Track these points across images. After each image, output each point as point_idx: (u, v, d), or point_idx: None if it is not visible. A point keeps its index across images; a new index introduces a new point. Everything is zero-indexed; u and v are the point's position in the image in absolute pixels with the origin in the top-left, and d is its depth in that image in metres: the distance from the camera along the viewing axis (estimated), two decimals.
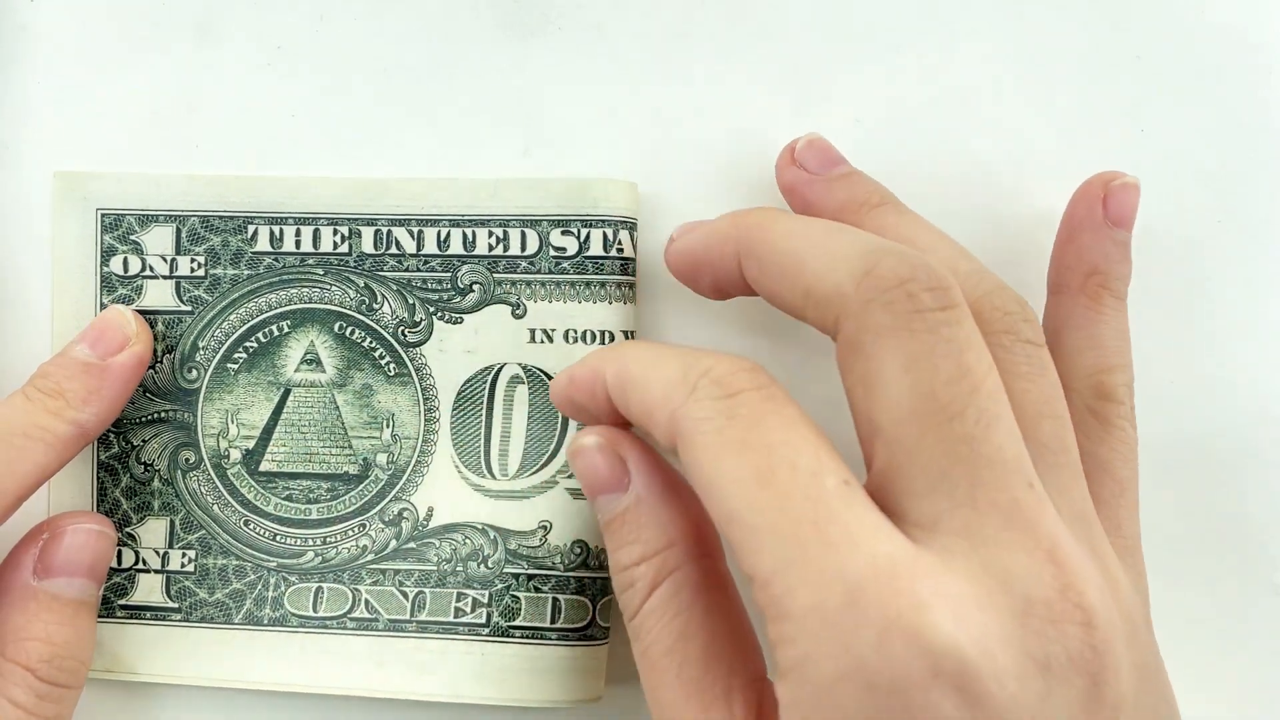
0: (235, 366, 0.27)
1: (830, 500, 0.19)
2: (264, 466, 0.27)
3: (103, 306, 0.27)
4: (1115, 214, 0.25)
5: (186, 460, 0.27)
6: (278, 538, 0.27)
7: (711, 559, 0.23)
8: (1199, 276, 0.28)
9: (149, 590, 0.27)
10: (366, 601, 0.27)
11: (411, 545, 0.27)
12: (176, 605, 0.27)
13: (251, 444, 0.27)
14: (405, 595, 0.27)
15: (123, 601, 0.27)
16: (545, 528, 0.27)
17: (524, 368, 0.27)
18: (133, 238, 0.27)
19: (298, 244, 0.27)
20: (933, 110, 0.28)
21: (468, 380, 0.27)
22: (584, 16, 0.28)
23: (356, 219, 0.27)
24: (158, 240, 0.27)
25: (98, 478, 0.27)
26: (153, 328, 0.27)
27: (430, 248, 0.27)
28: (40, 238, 0.28)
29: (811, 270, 0.21)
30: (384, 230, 0.27)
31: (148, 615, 0.27)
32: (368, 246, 0.27)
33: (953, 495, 0.19)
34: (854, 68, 0.28)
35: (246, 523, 0.27)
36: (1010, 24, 0.28)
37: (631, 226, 0.27)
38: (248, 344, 0.27)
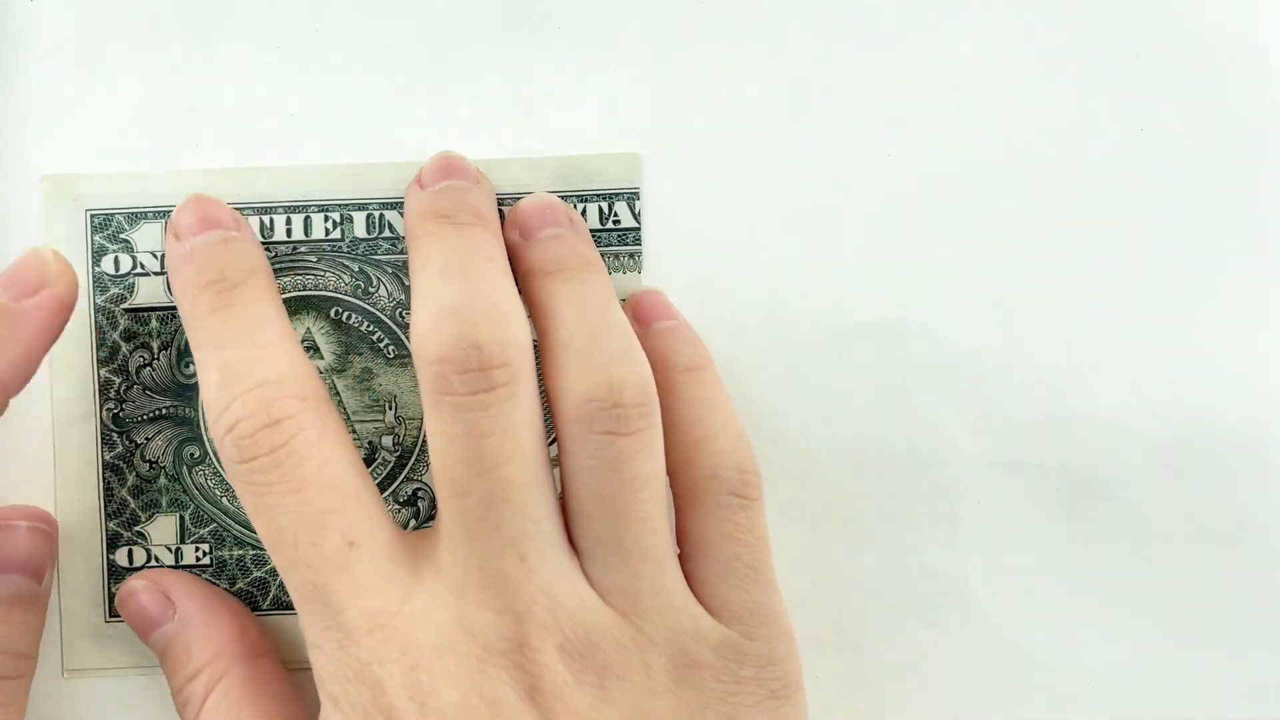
0: None
1: (329, 565, 0.22)
2: None
3: (97, 308, 0.27)
4: (644, 318, 0.26)
5: (191, 455, 0.27)
6: None
7: (264, 657, 0.25)
8: (1199, 276, 0.28)
9: None
10: None
11: (430, 524, 0.27)
12: None
13: None
14: None
15: None
16: None
17: None
18: (122, 236, 0.27)
19: (289, 232, 0.27)
20: (932, 110, 0.28)
21: None
22: (584, 15, 0.28)
23: (347, 204, 0.27)
24: (147, 237, 0.27)
25: (104, 478, 0.27)
26: (147, 325, 0.27)
27: (360, 230, 0.27)
28: (33, 241, 0.27)
29: (413, 312, 0.23)
30: (375, 214, 0.27)
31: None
32: (360, 231, 0.27)
33: (454, 553, 0.22)
34: (853, 67, 0.28)
35: None
36: (1010, 24, 0.28)
37: (631, 197, 0.27)
38: None
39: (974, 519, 0.28)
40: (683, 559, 0.24)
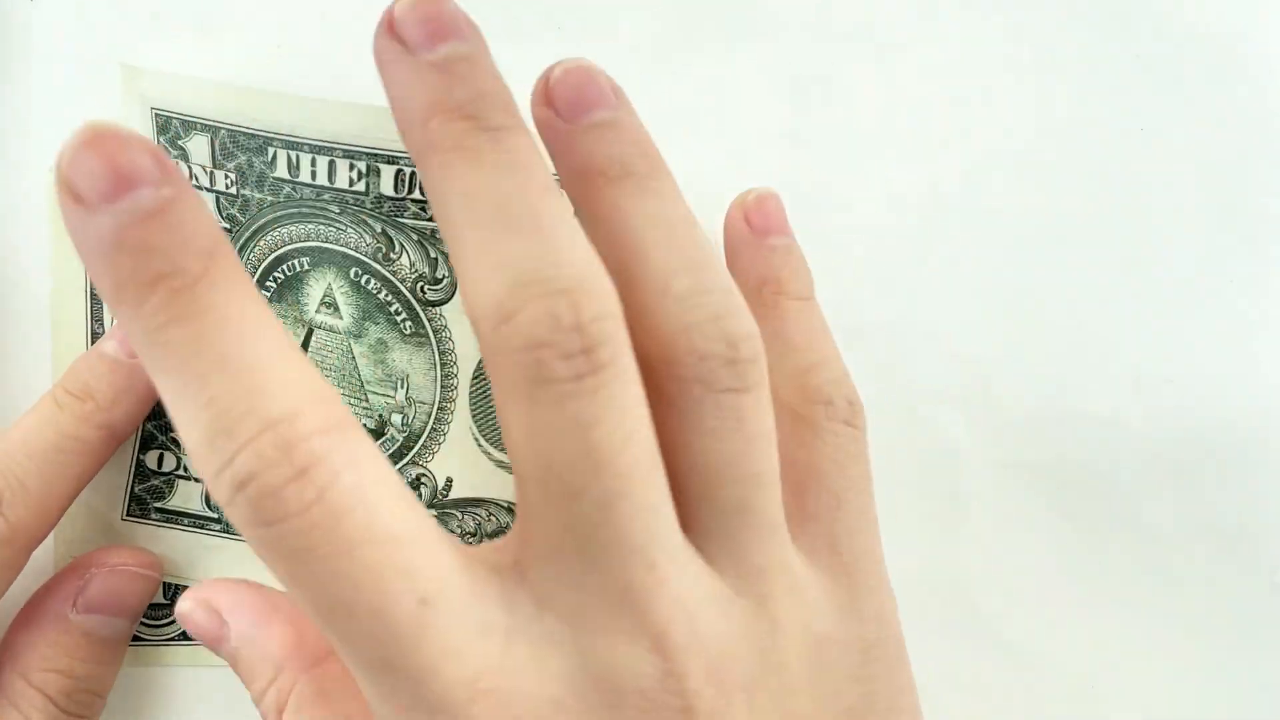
0: (268, 295, 0.25)
1: (401, 633, 0.17)
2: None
3: None
4: (760, 226, 0.24)
5: None
6: None
7: (323, 664, 0.22)
8: (1199, 276, 0.28)
9: (187, 497, 0.26)
10: None
11: (432, 512, 0.25)
12: (216, 515, 0.26)
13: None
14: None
15: (159, 504, 0.26)
16: None
17: None
18: (180, 143, 0.25)
19: (313, 175, 0.24)
20: (932, 110, 0.28)
21: None
22: (584, 16, 0.28)
23: (376, 154, 0.24)
24: (198, 149, 0.25)
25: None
26: None
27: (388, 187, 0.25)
28: (35, 239, 0.27)
29: (466, 275, 0.18)
30: (406, 171, 0.24)
31: (185, 522, 0.26)
32: (387, 188, 0.24)
33: (564, 575, 0.18)
34: (853, 67, 0.28)
35: None
36: (1010, 24, 0.28)
37: None
38: (275, 274, 0.25)
39: (974, 519, 0.28)
40: (789, 494, 0.21)
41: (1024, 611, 0.28)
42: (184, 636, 0.27)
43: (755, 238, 0.24)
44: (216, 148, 0.24)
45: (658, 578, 0.18)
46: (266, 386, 0.17)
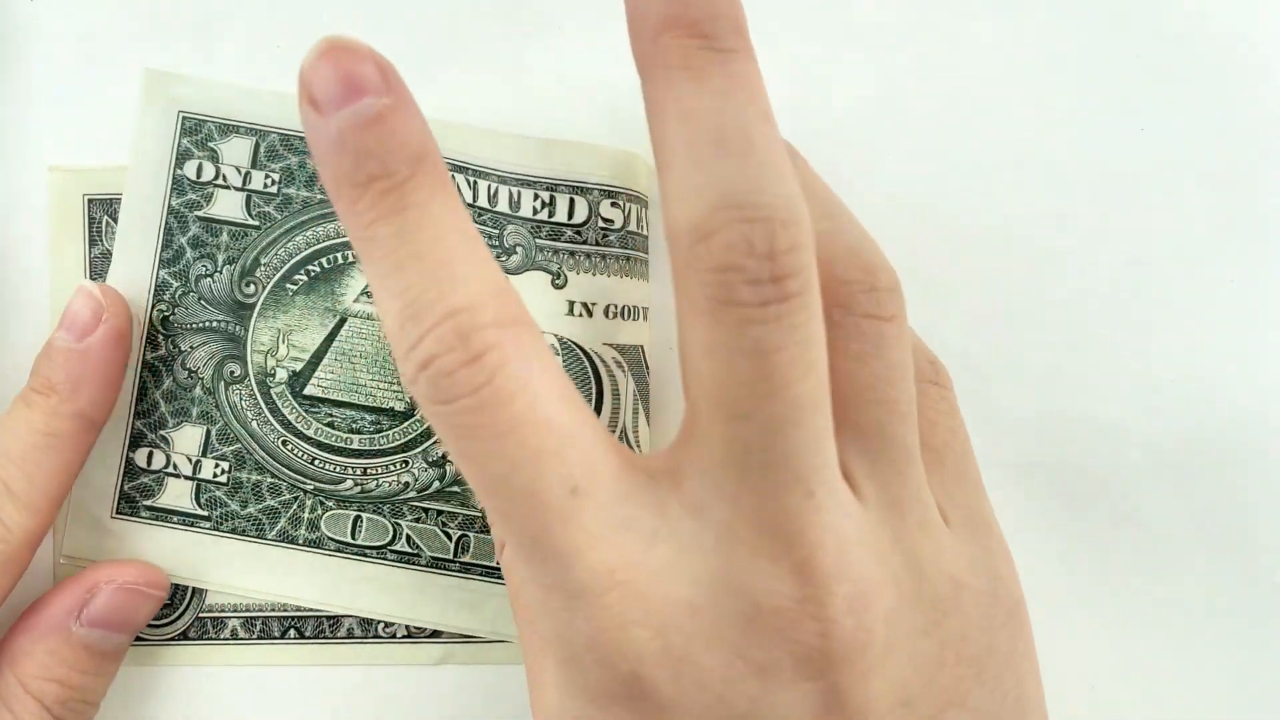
0: (294, 287, 0.27)
1: (550, 515, 0.18)
2: (309, 390, 0.27)
3: (170, 209, 0.27)
4: None
5: (231, 373, 0.27)
6: (315, 461, 0.27)
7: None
8: (1199, 276, 0.28)
9: (178, 495, 0.26)
10: (408, 536, 0.26)
11: (455, 489, 0.26)
12: (206, 514, 0.26)
13: (300, 365, 0.27)
14: (449, 536, 0.26)
15: (148, 502, 0.27)
16: None
17: (559, 339, 0.26)
18: (210, 145, 0.27)
19: None
20: (932, 110, 0.28)
21: None
22: (582, 15, 0.28)
23: None
24: (235, 151, 0.27)
25: (140, 376, 0.27)
26: (218, 236, 0.27)
27: (482, 200, 0.26)
28: (35, 237, 0.27)
29: (671, 190, 0.19)
30: (470, 181, 0.27)
31: (175, 519, 0.27)
32: None
33: (720, 489, 0.19)
34: (853, 67, 0.28)
35: (284, 443, 0.27)
36: (1010, 23, 0.28)
37: (642, 205, 0.27)
38: (310, 267, 0.27)
39: None
40: None
41: None
42: (184, 636, 0.27)
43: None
44: (262, 150, 0.27)
45: (814, 505, 0.19)
46: (453, 279, 0.18)
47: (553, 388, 0.19)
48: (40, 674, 0.24)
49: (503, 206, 0.26)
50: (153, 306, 0.27)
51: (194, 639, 0.27)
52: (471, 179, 0.26)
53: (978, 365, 0.28)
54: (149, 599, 0.26)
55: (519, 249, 0.26)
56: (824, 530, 0.19)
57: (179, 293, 0.27)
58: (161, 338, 0.27)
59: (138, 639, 0.27)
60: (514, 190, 0.26)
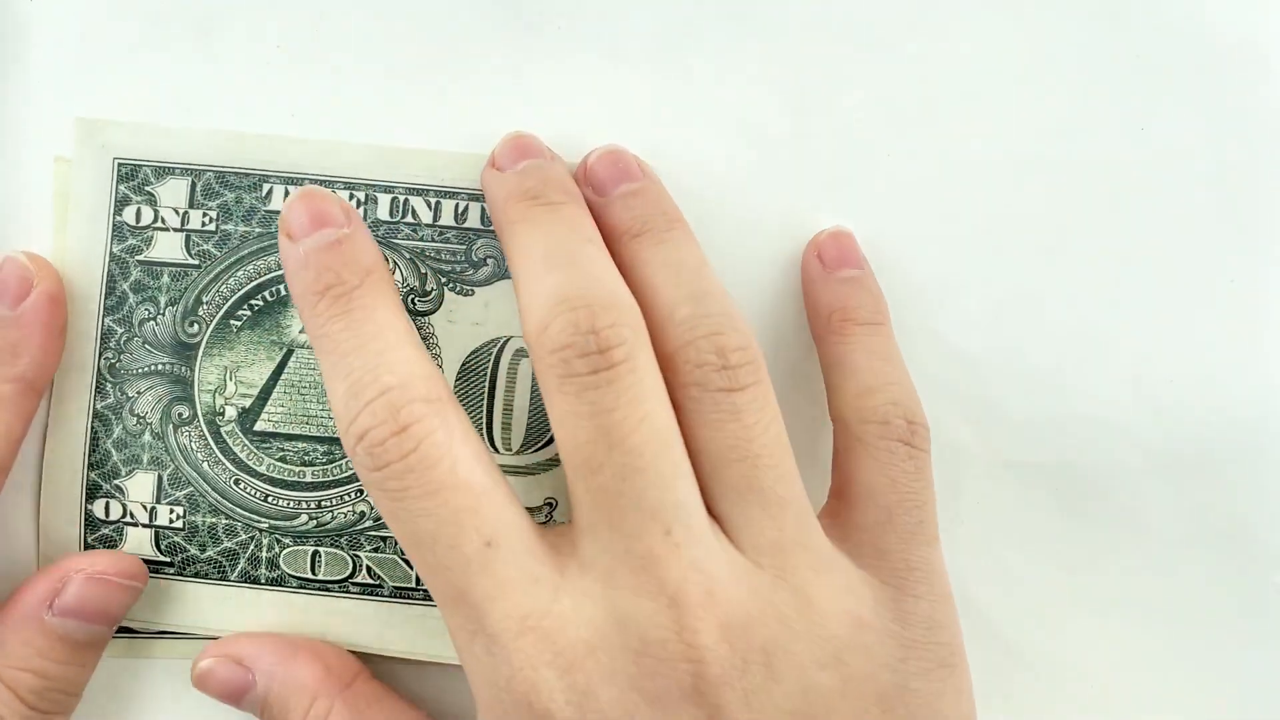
0: (239, 323, 0.27)
1: (469, 567, 0.21)
2: (259, 425, 0.27)
3: (112, 256, 0.27)
4: (832, 260, 0.27)
5: (180, 415, 0.27)
6: (269, 498, 0.27)
7: (352, 685, 0.26)
8: (1199, 276, 0.28)
9: (138, 544, 0.27)
10: (368, 568, 0.26)
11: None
12: (169, 559, 0.27)
13: (249, 402, 0.27)
14: (409, 564, 0.26)
15: None
16: (550, 505, 0.27)
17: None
18: (148, 189, 0.27)
19: None
20: (932, 110, 0.28)
21: (474, 351, 0.27)
22: (583, 15, 0.28)
23: (374, 185, 0.27)
24: (172, 193, 0.27)
25: (91, 427, 0.27)
26: (159, 279, 0.27)
27: (447, 219, 0.27)
28: (36, 236, 0.27)
29: (522, 303, 0.23)
30: (400, 198, 0.27)
31: None
32: (383, 213, 0.27)
33: (597, 541, 0.22)
34: (853, 67, 0.28)
35: (237, 481, 0.27)
36: (1010, 23, 0.28)
37: None
38: (253, 301, 0.27)
39: (974, 519, 0.28)
40: (843, 507, 0.24)
41: (1024, 611, 0.28)
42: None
43: (826, 272, 0.26)
44: (198, 189, 0.27)
45: (673, 542, 0.21)
46: (389, 364, 0.22)
47: (473, 455, 0.22)
48: (14, 664, 0.24)
49: (474, 222, 0.27)
50: (100, 356, 0.27)
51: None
52: (434, 199, 0.27)
53: (978, 365, 0.28)
54: (123, 589, 0.26)
55: (490, 260, 0.27)
56: (688, 565, 0.21)
57: (124, 339, 0.27)
58: (110, 385, 0.27)
59: (128, 631, 0.27)
60: (486, 206, 0.27)
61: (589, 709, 0.21)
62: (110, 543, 0.27)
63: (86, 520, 0.27)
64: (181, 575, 0.27)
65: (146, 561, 0.27)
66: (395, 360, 0.22)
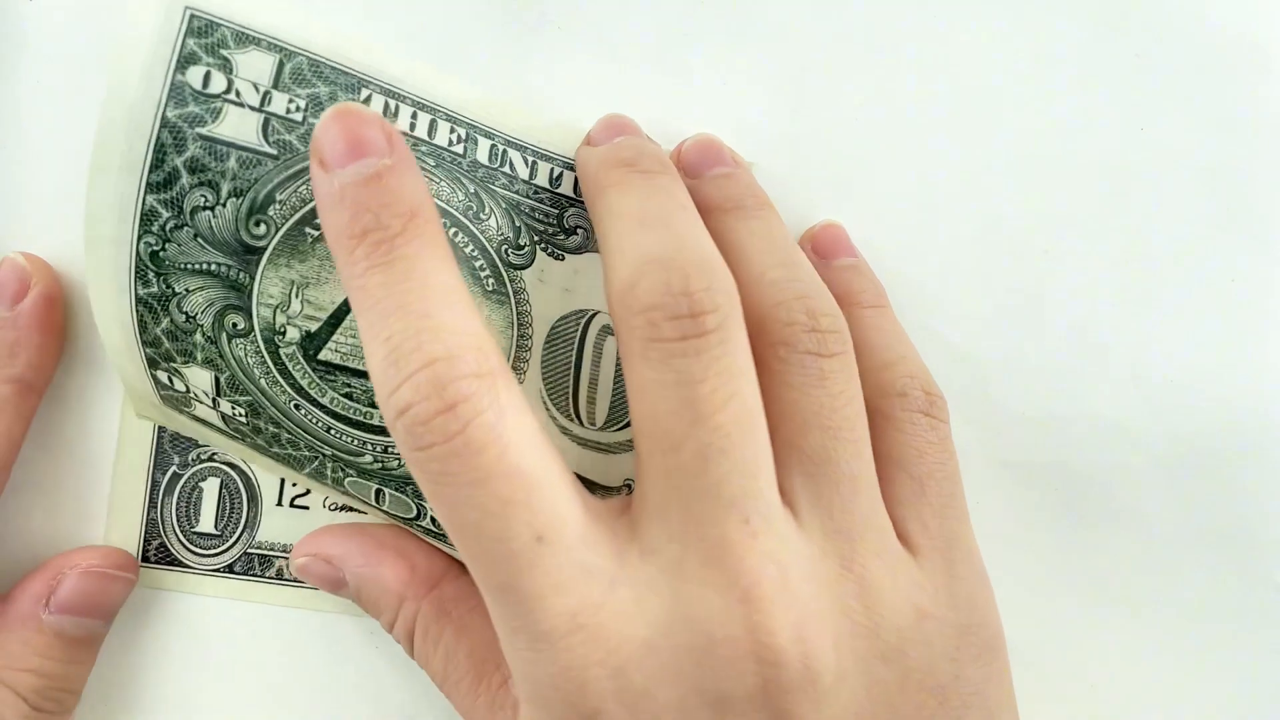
0: (315, 233, 0.23)
1: (516, 562, 0.19)
2: (324, 355, 0.23)
3: (164, 121, 0.22)
4: (826, 250, 0.27)
5: (234, 325, 0.23)
6: (331, 431, 0.24)
7: (439, 586, 0.25)
8: (1199, 276, 0.28)
9: (205, 414, 0.25)
10: (434, 519, 0.25)
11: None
12: (238, 436, 0.25)
13: (314, 326, 0.23)
14: None
15: (187, 410, 0.25)
16: (629, 486, 0.26)
17: None
18: (223, 52, 0.22)
19: (412, 127, 0.23)
20: (932, 110, 0.28)
21: (562, 317, 0.25)
22: (583, 15, 0.28)
23: (475, 126, 0.24)
24: (254, 66, 0.22)
25: (137, 311, 0.23)
26: (224, 161, 0.22)
27: (542, 180, 0.25)
28: (36, 234, 0.27)
29: (608, 262, 0.22)
30: (500, 147, 0.24)
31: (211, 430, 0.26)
32: (482, 156, 0.24)
33: (666, 526, 0.20)
34: (853, 67, 0.28)
35: (297, 406, 0.23)
36: (1010, 24, 0.28)
37: None
38: None
39: (973, 518, 0.28)
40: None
41: (1024, 611, 0.28)
42: (230, 570, 0.27)
43: (822, 261, 0.26)
44: (287, 71, 0.23)
45: (750, 531, 0.20)
46: (434, 330, 0.19)
47: (523, 438, 0.20)
48: (13, 665, 0.25)
49: (566, 189, 0.25)
50: (139, 238, 0.22)
51: (239, 574, 0.27)
52: (531, 158, 0.25)
53: (978, 365, 0.28)
54: (117, 581, 0.26)
55: (580, 230, 0.25)
56: (763, 558, 0.20)
57: (170, 225, 0.22)
58: (152, 274, 0.23)
59: (184, 566, 0.27)
60: (576, 178, 0.25)
61: (644, 712, 0.19)
62: (183, 402, 0.24)
63: (153, 381, 0.24)
64: (254, 449, 0.25)
65: (216, 429, 0.25)
66: (442, 325, 0.20)
